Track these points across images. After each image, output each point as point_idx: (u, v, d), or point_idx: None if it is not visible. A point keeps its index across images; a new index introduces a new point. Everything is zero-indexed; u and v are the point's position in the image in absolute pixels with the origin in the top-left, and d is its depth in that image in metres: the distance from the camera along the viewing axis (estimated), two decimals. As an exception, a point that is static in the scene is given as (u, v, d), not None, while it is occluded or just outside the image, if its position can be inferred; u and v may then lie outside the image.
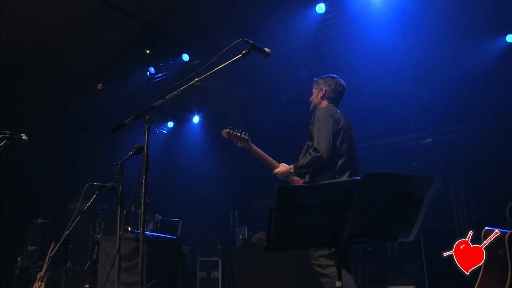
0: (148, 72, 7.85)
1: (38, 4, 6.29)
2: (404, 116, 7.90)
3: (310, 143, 3.46)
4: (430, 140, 7.79)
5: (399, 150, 8.15)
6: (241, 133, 3.81)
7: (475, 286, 2.89)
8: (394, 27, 6.07)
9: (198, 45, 7.35)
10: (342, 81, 3.75)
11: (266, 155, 3.79)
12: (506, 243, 2.79)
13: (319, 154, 3.28)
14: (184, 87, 2.71)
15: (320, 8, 6.16)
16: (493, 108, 6.70)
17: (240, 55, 2.72)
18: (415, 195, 1.89)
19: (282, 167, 3.62)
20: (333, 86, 3.69)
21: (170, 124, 9.53)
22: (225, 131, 3.86)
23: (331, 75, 3.77)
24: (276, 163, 3.72)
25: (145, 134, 2.63)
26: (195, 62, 7.44)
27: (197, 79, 2.68)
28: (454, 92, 6.92)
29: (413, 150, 7.89)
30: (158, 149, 9.18)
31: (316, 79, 3.82)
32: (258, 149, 3.81)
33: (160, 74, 7.96)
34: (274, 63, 6.79)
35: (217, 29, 7.00)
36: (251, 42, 2.73)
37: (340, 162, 3.39)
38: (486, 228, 2.89)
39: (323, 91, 3.70)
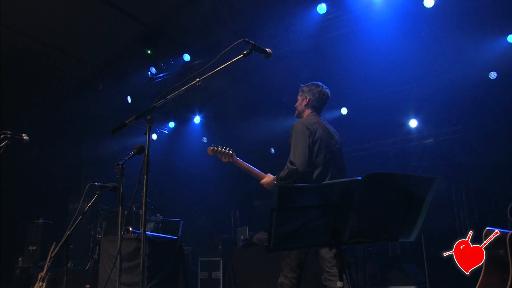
0: (149, 72, 7.86)
1: (38, 4, 6.28)
2: (405, 116, 7.90)
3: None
4: (431, 140, 7.79)
5: (400, 150, 8.15)
6: (225, 149, 3.93)
7: (476, 286, 2.88)
8: (396, 28, 6.06)
9: (199, 45, 7.34)
10: (327, 89, 3.82)
11: (251, 167, 3.86)
12: (507, 243, 2.79)
13: (295, 167, 3.38)
14: (185, 87, 2.72)
15: (321, 8, 6.14)
16: (494, 108, 6.70)
17: (241, 55, 2.72)
18: (416, 195, 1.88)
19: (268, 178, 3.71)
20: (317, 95, 3.76)
21: (171, 124, 9.53)
22: (210, 149, 3.99)
23: (316, 82, 3.84)
24: (262, 174, 3.79)
25: (146, 134, 2.63)
26: (196, 62, 7.43)
27: (198, 79, 2.69)
28: (456, 93, 6.92)
29: (414, 151, 7.89)
30: (159, 149, 9.18)
31: (302, 85, 3.89)
32: (244, 163, 3.89)
33: (161, 74, 7.95)
34: (275, 63, 6.80)
35: (218, 29, 7.00)
36: (252, 42, 2.73)
37: (316, 172, 3.45)
38: (487, 228, 2.89)
39: (307, 99, 3.78)
